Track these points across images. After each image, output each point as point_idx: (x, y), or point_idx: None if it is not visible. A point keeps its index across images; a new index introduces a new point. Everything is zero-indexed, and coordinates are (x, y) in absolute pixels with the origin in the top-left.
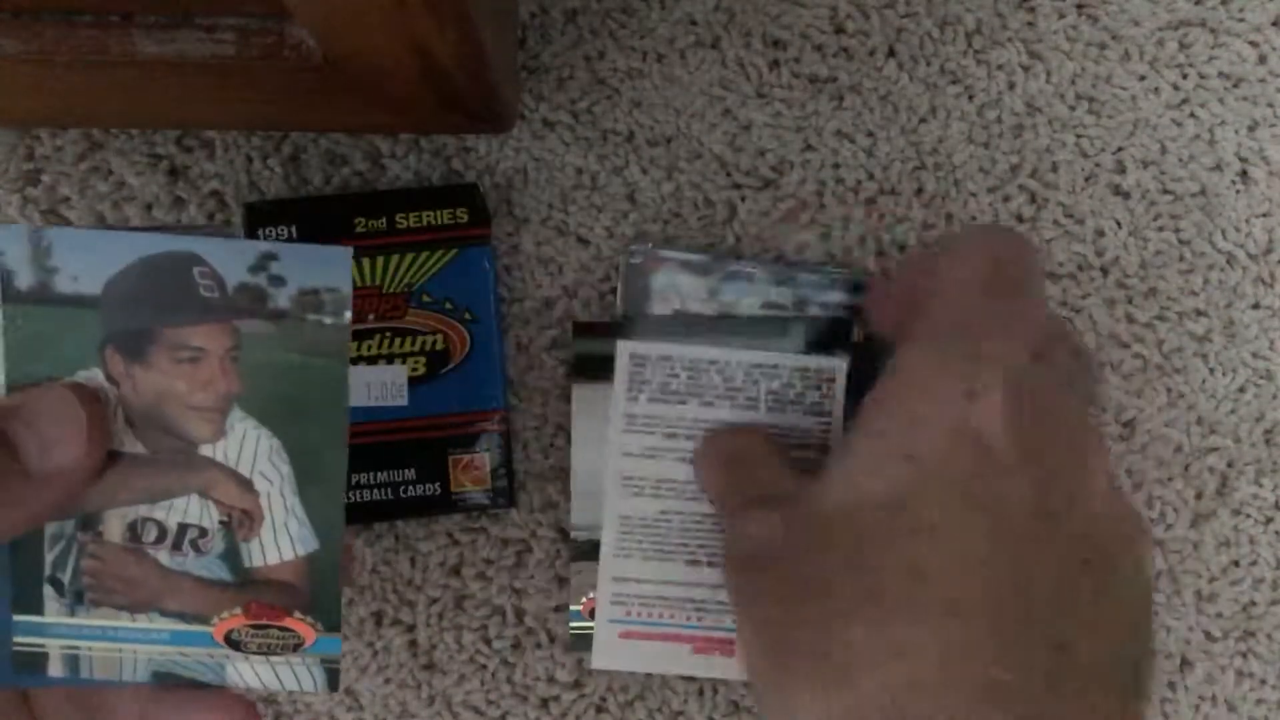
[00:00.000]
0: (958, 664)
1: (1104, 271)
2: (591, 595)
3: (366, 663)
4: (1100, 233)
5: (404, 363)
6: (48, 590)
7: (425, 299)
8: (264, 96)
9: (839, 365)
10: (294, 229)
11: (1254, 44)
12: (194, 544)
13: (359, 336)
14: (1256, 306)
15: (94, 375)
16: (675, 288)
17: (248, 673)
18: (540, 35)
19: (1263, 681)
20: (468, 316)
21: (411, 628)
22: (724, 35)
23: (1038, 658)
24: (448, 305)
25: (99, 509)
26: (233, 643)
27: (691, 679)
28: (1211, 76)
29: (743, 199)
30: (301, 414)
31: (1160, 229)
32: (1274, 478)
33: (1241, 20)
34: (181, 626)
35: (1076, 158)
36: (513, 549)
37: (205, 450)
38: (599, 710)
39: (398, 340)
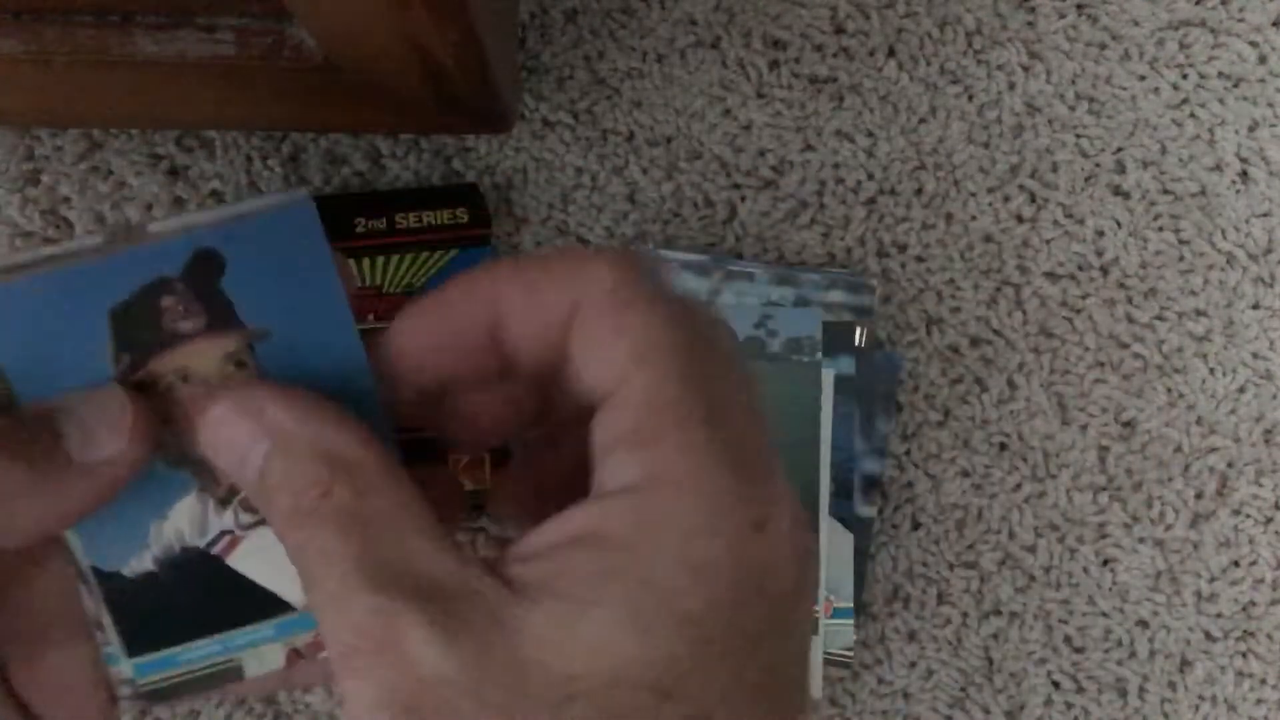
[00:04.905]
0: None
1: (1104, 271)
2: None
3: None
4: (1100, 233)
5: None
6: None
7: None
8: (264, 96)
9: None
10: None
11: (1254, 44)
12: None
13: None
14: (1256, 306)
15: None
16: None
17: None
18: (540, 35)
19: (1263, 681)
20: None
21: None
22: (724, 35)
23: None
24: None
25: None
26: None
27: None
28: (1211, 76)
29: (743, 199)
30: None
31: (1160, 229)
32: (1274, 478)
33: (1241, 20)
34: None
35: (1076, 158)
36: None
37: None
38: None
39: None
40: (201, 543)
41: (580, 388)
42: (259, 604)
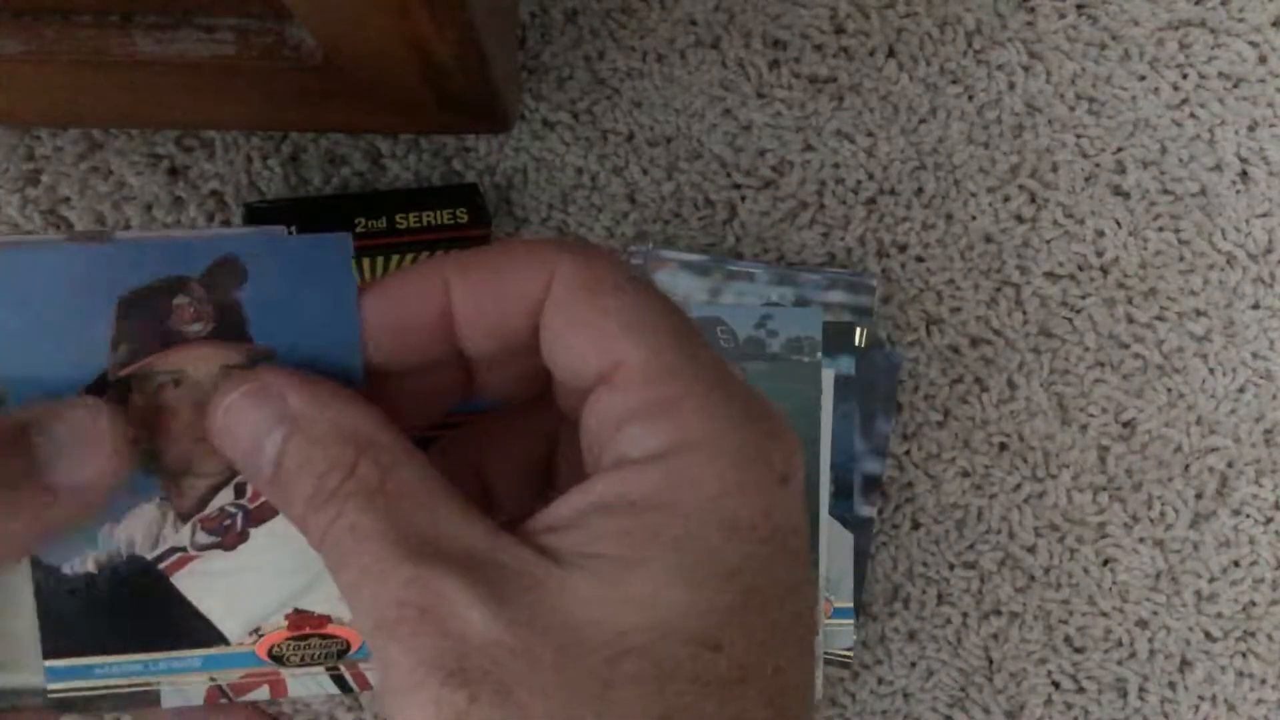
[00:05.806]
0: None
1: (1104, 271)
2: None
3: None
4: (1100, 233)
5: None
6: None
7: None
8: (264, 96)
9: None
10: (294, 229)
11: (1254, 44)
12: None
13: None
14: (1256, 306)
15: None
16: (676, 288)
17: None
18: (540, 35)
19: (1263, 681)
20: None
21: None
22: (724, 35)
23: None
24: None
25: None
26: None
27: None
28: (1211, 76)
29: (743, 199)
30: None
31: (1160, 229)
32: (1274, 478)
33: (1241, 20)
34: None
35: (1076, 158)
36: None
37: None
38: None
39: None
40: (150, 555)
41: (562, 372)
42: (192, 631)
